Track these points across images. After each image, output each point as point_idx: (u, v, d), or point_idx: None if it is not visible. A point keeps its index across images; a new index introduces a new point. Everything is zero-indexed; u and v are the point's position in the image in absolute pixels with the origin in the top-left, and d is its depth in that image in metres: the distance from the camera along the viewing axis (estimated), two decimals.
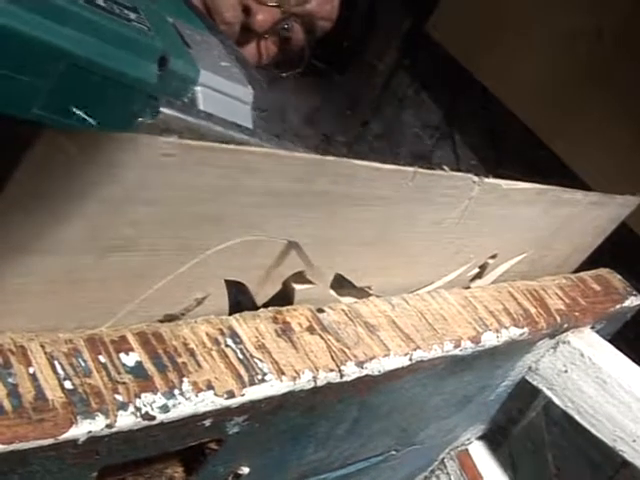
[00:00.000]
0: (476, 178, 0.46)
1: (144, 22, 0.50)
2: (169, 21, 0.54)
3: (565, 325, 0.60)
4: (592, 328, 0.66)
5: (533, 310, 0.57)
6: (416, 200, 0.43)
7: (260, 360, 0.38)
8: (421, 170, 0.41)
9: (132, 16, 0.50)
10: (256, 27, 0.84)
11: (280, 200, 0.37)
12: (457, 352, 0.48)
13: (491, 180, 0.47)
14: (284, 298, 0.43)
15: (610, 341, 0.69)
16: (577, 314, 0.62)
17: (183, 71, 0.49)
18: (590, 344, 0.64)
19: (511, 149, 1.15)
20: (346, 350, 0.42)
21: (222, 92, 0.52)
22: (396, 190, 0.41)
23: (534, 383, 0.65)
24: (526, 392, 0.66)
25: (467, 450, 0.74)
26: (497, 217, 0.51)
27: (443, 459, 0.73)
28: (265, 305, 0.42)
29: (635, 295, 0.73)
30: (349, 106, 1.23)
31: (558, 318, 0.59)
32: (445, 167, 0.43)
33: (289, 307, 0.43)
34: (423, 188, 0.43)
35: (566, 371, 0.63)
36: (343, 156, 0.46)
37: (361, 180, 0.39)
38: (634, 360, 0.66)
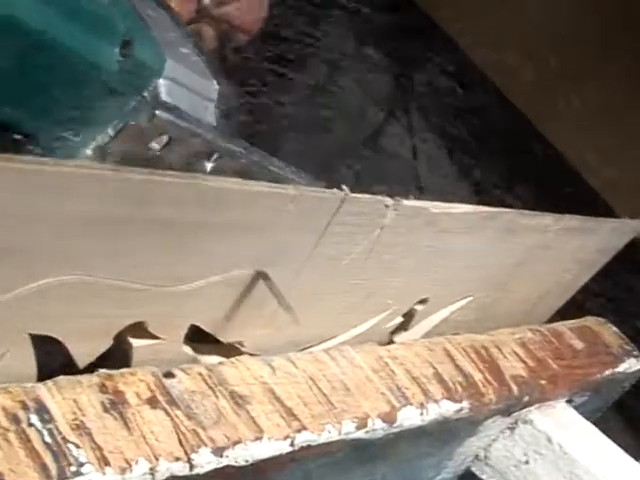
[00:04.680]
0: (390, 201, 0.49)
1: None
2: None
3: (526, 398, 0.64)
4: (568, 402, 0.70)
5: (478, 376, 0.61)
6: (301, 229, 0.46)
7: (76, 445, 0.40)
8: (306, 191, 0.44)
9: None
10: None
11: (108, 230, 0.39)
12: (361, 435, 0.51)
13: (413, 203, 0.51)
14: (118, 358, 0.46)
15: (599, 422, 0.72)
16: (544, 382, 0.66)
17: (148, 61, 0.53)
18: (562, 425, 0.67)
19: (485, 126, 1.18)
20: (200, 431, 0.44)
21: (186, 86, 0.57)
22: (272, 217, 0.44)
23: (483, 477, 0.68)
24: None
25: None
26: (424, 250, 0.55)
27: None
28: (90, 367, 0.44)
29: (636, 356, 0.77)
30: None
31: (515, 388, 0.63)
32: (344, 187, 0.46)
33: (124, 370, 0.45)
34: (311, 214, 0.46)
35: (527, 462, 0.66)
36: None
37: (220, 204, 0.42)
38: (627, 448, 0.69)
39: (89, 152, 0.50)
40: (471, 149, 1.20)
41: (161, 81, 0.54)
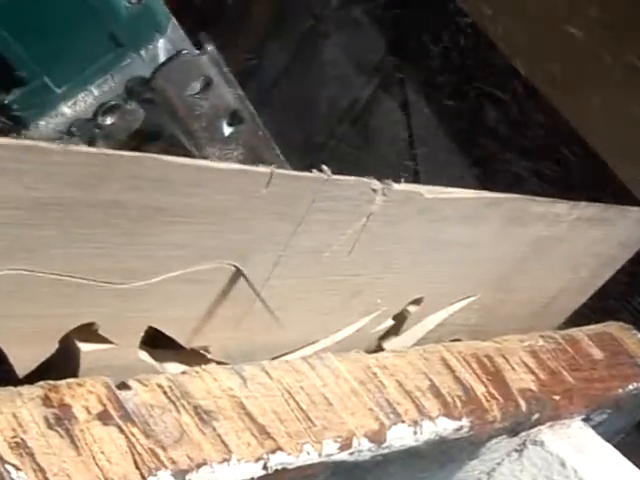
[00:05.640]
0: (378, 184, 0.47)
1: None
2: None
3: (536, 415, 0.62)
4: (585, 421, 0.68)
5: (481, 389, 0.59)
6: (275, 216, 0.44)
7: (16, 467, 0.39)
8: (281, 172, 0.42)
9: None
10: None
11: (51, 216, 0.38)
12: (345, 456, 0.49)
13: (404, 187, 0.49)
14: (64, 365, 0.44)
15: (620, 444, 0.70)
16: (557, 397, 0.64)
17: (156, 12, 0.57)
18: (577, 447, 0.65)
19: (492, 103, 1.17)
20: (159, 451, 0.43)
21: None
22: (242, 201, 0.42)
23: None
24: None
25: None
26: (418, 242, 0.53)
27: None
28: (32, 377, 0.43)
29: None
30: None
31: (523, 403, 0.61)
32: (325, 167, 0.44)
33: (72, 380, 0.43)
34: (287, 199, 0.44)
35: None
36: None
37: (180, 186, 0.40)
38: None
39: (66, 109, 0.53)
40: (474, 128, 1.18)
41: (162, 41, 0.57)
